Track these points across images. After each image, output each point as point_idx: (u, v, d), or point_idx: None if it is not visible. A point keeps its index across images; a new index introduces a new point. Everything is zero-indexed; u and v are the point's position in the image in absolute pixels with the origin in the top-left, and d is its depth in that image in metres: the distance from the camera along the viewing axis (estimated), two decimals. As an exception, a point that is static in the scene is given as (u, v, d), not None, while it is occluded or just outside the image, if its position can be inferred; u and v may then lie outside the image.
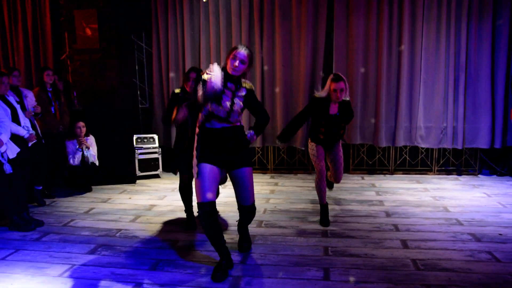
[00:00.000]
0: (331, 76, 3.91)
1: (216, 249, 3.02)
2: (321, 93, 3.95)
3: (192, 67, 4.00)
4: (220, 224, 3.39)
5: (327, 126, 3.96)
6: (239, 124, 3.07)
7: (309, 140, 4.12)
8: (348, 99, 4.00)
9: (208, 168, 2.95)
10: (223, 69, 2.96)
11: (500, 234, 3.70)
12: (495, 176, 5.99)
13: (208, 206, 2.90)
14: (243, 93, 3.03)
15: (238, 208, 3.23)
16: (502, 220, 4.08)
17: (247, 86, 3.07)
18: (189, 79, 3.82)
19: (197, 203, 2.94)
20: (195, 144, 3.02)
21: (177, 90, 3.91)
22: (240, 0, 6.02)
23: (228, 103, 2.94)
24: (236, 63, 2.91)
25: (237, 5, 6.04)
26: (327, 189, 4.36)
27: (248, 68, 3.01)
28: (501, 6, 5.62)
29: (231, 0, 6.04)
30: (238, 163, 3.06)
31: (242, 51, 2.94)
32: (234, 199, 3.24)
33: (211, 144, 2.99)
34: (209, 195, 2.91)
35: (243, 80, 3.07)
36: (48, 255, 3.39)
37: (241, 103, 3.01)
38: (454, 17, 5.70)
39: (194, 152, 3.01)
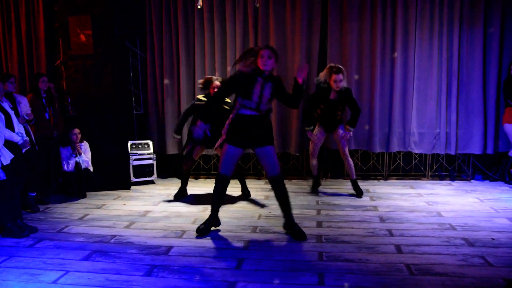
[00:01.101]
0: (331, 67, 4.82)
1: (212, 208, 3.90)
2: (322, 82, 4.92)
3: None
4: (225, 194, 3.99)
5: (324, 109, 4.96)
6: (268, 109, 3.77)
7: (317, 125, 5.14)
8: (346, 86, 4.91)
9: (232, 150, 3.76)
10: (254, 67, 3.66)
11: (492, 239, 3.73)
12: (487, 181, 6.05)
13: (223, 178, 3.84)
14: (270, 86, 3.69)
15: (269, 181, 3.88)
16: (495, 225, 4.12)
17: (274, 79, 3.71)
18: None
19: (218, 172, 3.86)
20: (226, 126, 3.79)
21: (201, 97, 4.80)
22: (235, 6, 6.07)
23: (257, 96, 3.65)
24: (265, 60, 3.58)
25: (231, 11, 6.07)
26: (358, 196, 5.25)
27: (276, 62, 3.67)
28: (492, 14, 5.71)
29: (225, 7, 6.08)
30: (262, 142, 3.77)
31: (266, 49, 3.62)
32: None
33: (239, 129, 3.74)
34: (227, 171, 3.82)
35: (271, 74, 3.69)
36: (42, 261, 3.37)
37: (269, 94, 3.69)
38: (446, 24, 5.78)
39: (224, 130, 3.81)
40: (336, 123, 5.11)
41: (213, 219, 3.95)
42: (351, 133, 5.22)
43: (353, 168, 5.22)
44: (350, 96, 5.03)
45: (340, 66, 4.86)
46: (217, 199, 3.92)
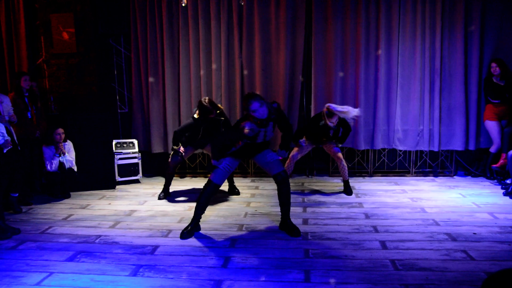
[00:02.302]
0: (325, 111, 4.90)
1: (195, 213, 3.91)
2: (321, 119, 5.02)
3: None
4: (208, 203, 4.00)
5: (322, 133, 5.10)
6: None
7: (305, 137, 5.21)
8: (342, 117, 4.95)
9: (231, 162, 3.91)
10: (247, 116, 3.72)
11: (474, 233, 3.81)
12: (469, 177, 6.16)
13: (215, 187, 3.89)
14: (270, 125, 3.82)
15: (275, 182, 3.94)
16: (476, 220, 4.20)
17: (274, 116, 3.76)
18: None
19: (210, 179, 3.87)
20: (232, 149, 3.87)
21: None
22: (219, 4, 6.05)
23: (262, 138, 3.85)
24: (259, 111, 3.61)
25: (216, 9, 6.05)
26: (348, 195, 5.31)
27: (264, 104, 3.65)
28: (473, 13, 5.81)
29: (210, 4, 6.05)
30: (261, 150, 3.95)
31: (253, 101, 3.60)
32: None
33: (244, 151, 3.91)
34: (220, 182, 3.90)
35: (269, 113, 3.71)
36: (25, 263, 3.31)
37: (271, 133, 3.90)
38: (428, 23, 5.86)
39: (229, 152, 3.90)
40: (326, 140, 5.24)
41: (196, 224, 3.93)
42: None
43: (347, 169, 5.30)
44: (345, 124, 5.11)
45: (332, 110, 4.84)
46: (203, 206, 3.92)
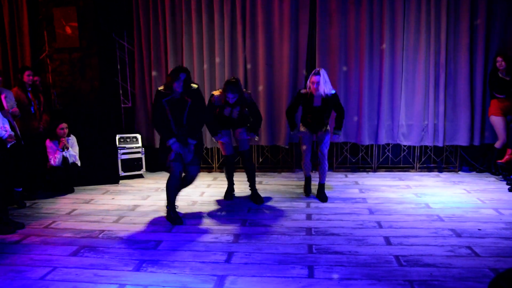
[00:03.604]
0: (313, 70, 4.61)
1: (228, 180, 4.95)
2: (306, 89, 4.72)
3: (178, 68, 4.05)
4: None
5: (313, 115, 4.70)
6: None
7: (301, 125, 4.87)
8: (333, 92, 4.64)
9: (225, 134, 4.78)
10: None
11: (479, 229, 3.78)
12: (474, 172, 6.12)
13: (229, 157, 4.83)
14: (238, 108, 4.58)
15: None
16: (481, 216, 4.17)
17: (240, 103, 4.54)
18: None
19: (224, 155, 4.87)
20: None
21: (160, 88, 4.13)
22: (223, -2, 6.01)
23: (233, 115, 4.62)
24: (229, 99, 4.45)
25: (219, 2, 6.01)
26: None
27: (239, 91, 4.42)
28: (478, 6, 5.74)
29: (213, -2, 6.02)
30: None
31: (228, 93, 4.40)
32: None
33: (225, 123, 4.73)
34: (230, 152, 4.81)
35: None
36: (29, 258, 3.32)
37: (237, 112, 4.59)
38: (433, 16, 5.80)
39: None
40: (322, 126, 4.73)
41: (231, 186, 4.99)
42: (341, 136, 5.10)
43: (326, 172, 4.85)
44: (336, 101, 4.69)
45: (321, 70, 4.54)
46: (231, 174, 4.99)
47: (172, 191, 4.13)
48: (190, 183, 4.31)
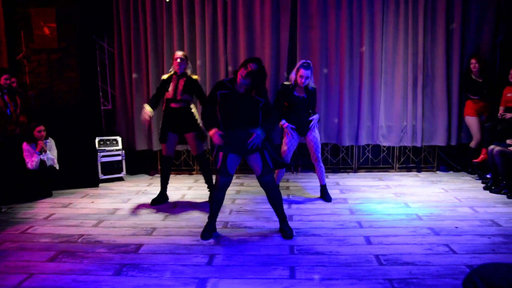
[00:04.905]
0: (301, 62, 4.46)
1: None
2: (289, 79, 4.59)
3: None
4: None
5: (298, 107, 4.52)
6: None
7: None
8: (314, 86, 4.63)
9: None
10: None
11: (456, 227, 3.87)
12: (451, 172, 6.26)
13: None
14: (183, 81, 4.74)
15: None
16: (458, 214, 4.27)
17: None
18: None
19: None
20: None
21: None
22: (204, 0, 5.99)
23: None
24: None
25: (200, 5, 5.99)
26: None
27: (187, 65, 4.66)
28: (453, 11, 5.89)
29: (194, 0, 5.99)
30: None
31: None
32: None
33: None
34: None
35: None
36: (4, 265, 3.23)
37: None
38: (411, 19, 5.91)
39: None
40: (306, 123, 4.62)
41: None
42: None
43: (324, 173, 4.86)
44: (315, 95, 4.69)
45: (309, 63, 4.50)
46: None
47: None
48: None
